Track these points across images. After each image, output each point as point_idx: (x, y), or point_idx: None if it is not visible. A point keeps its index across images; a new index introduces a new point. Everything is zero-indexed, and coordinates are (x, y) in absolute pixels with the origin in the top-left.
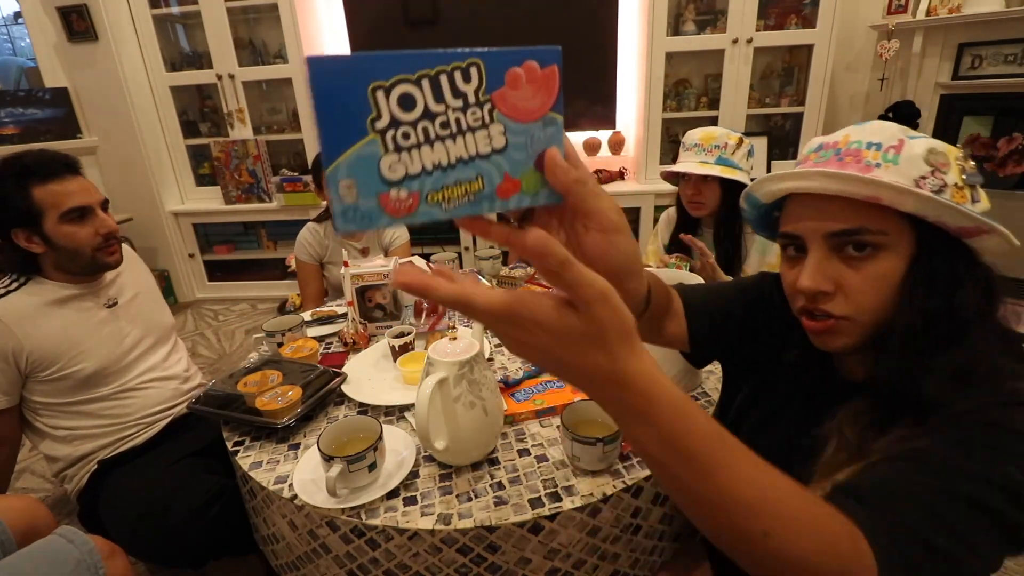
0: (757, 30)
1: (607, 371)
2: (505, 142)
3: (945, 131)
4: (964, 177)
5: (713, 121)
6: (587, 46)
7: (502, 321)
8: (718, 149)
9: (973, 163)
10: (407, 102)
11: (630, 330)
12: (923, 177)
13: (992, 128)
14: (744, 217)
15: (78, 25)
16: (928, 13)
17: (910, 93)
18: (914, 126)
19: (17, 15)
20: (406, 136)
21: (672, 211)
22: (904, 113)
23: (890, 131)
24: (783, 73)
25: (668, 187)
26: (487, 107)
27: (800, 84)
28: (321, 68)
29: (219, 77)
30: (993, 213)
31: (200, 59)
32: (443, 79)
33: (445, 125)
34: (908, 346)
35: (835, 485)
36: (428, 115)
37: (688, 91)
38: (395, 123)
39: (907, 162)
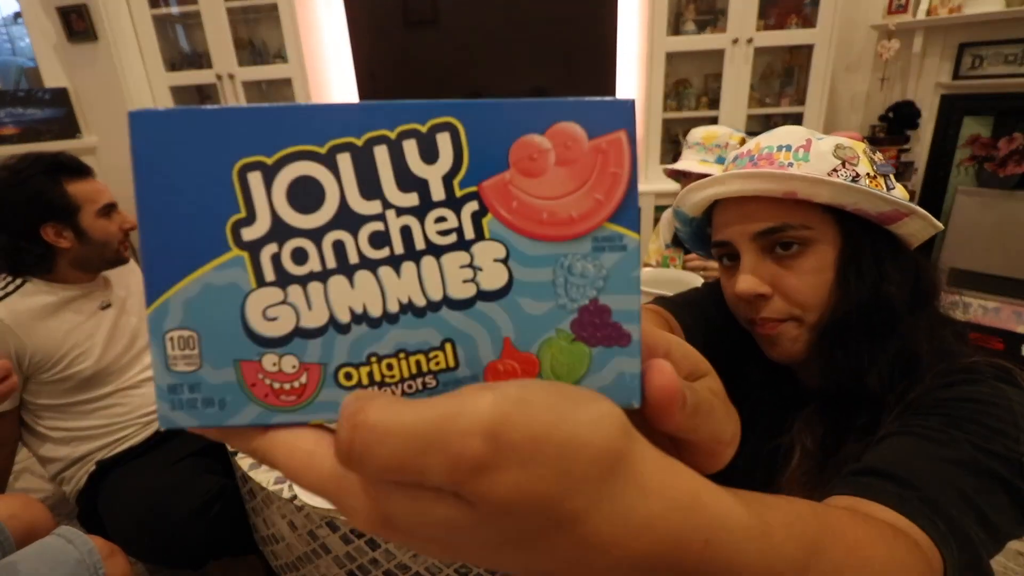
0: (757, 30)
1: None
2: (508, 279)
3: (946, 131)
4: (875, 167)
5: (713, 121)
6: (587, 46)
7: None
8: (719, 148)
9: (881, 155)
10: (306, 195)
11: (605, 460)
12: (835, 170)
13: (992, 128)
14: (679, 236)
15: (77, 25)
16: (928, 13)
17: (910, 93)
18: (914, 126)
19: (17, 15)
20: (300, 257)
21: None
22: (904, 113)
23: (797, 133)
24: (783, 73)
25: (669, 187)
26: (469, 209)
27: (800, 84)
28: (149, 130)
29: (219, 77)
30: (993, 213)
31: (200, 59)
32: (379, 154)
33: (380, 240)
34: (844, 339)
35: (866, 469)
36: (346, 220)
37: (688, 91)
38: (280, 232)
39: (817, 158)
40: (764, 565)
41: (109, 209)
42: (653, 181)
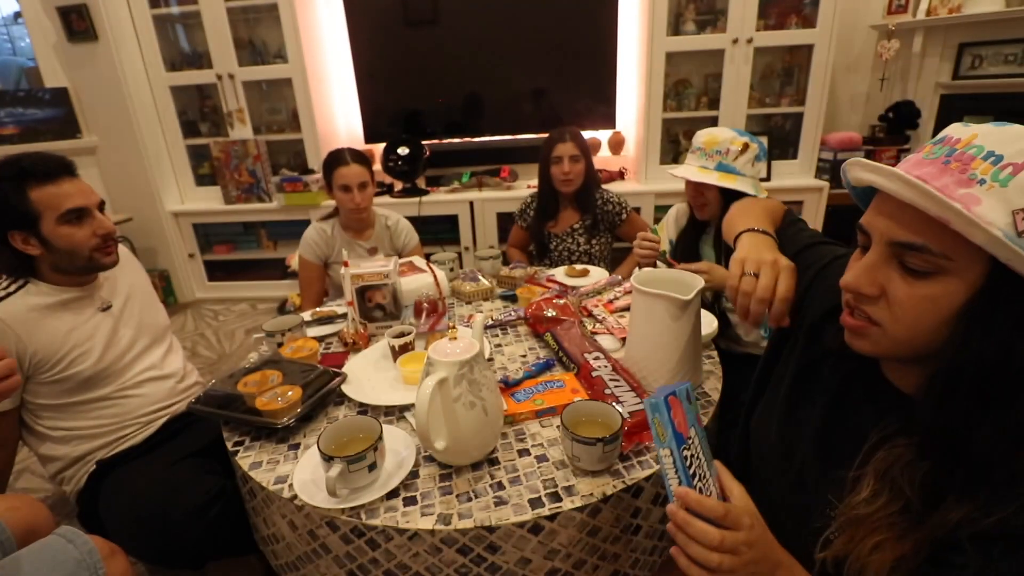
0: (757, 30)
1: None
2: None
3: None
4: None
5: (713, 121)
6: (587, 46)
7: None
8: (719, 155)
9: None
10: None
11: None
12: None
13: None
14: (844, 187)
15: (78, 25)
16: (928, 13)
17: (910, 93)
18: (914, 126)
19: (17, 15)
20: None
21: (683, 207)
22: (904, 113)
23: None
24: (783, 73)
25: (668, 187)
26: None
27: (800, 84)
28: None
29: (219, 77)
30: None
31: (200, 59)
32: None
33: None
34: (955, 390)
35: None
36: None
37: (688, 91)
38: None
39: (1018, 188)
40: None
41: (80, 214)
42: (653, 181)
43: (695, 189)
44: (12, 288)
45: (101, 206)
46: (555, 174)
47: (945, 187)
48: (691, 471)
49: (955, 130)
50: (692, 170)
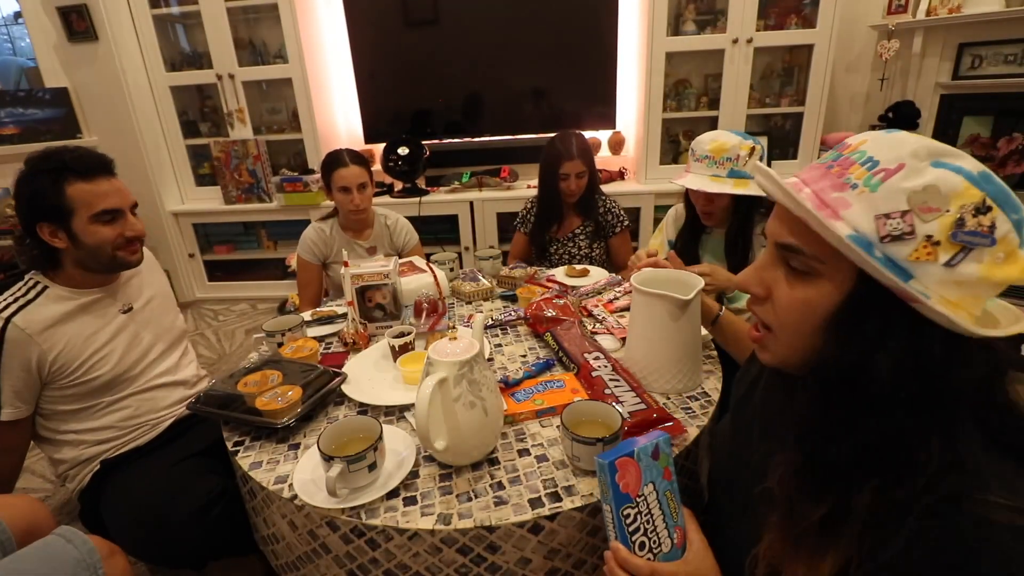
0: (757, 30)
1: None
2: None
3: (945, 131)
4: (956, 234)
5: (713, 121)
6: (587, 46)
7: None
8: (730, 162)
9: (992, 220)
10: None
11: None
12: (887, 216)
13: (992, 128)
14: None
15: (78, 25)
16: (928, 13)
17: (910, 93)
18: (914, 126)
19: (17, 15)
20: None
21: (680, 208)
22: (904, 113)
23: (900, 152)
24: (783, 73)
25: (668, 187)
26: None
27: (800, 84)
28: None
29: (219, 77)
30: None
31: (200, 59)
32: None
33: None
34: (818, 394)
35: None
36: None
37: (688, 91)
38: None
39: (886, 194)
40: None
41: (111, 215)
42: (653, 181)
43: (706, 197)
44: (32, 295)
45: (134, 207)
46: (561, 188)
47: (821, 191)
48: (633, 527)
49: (853, 137)
50: (705, 180)
